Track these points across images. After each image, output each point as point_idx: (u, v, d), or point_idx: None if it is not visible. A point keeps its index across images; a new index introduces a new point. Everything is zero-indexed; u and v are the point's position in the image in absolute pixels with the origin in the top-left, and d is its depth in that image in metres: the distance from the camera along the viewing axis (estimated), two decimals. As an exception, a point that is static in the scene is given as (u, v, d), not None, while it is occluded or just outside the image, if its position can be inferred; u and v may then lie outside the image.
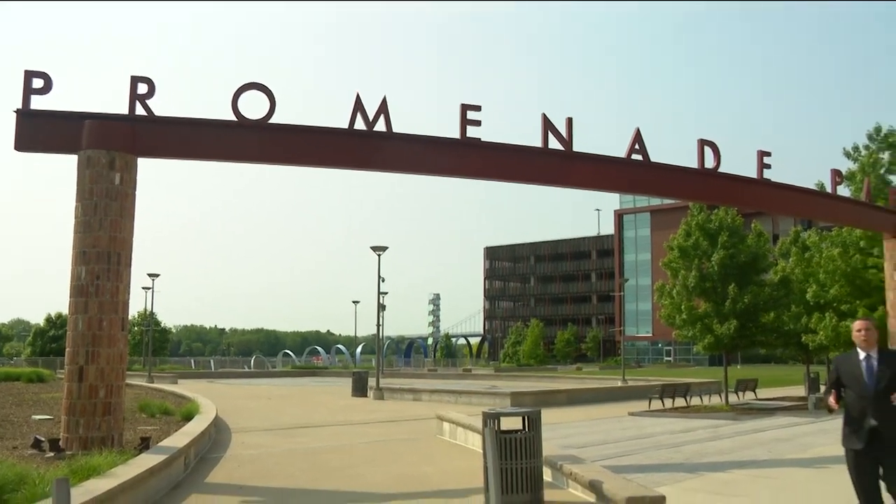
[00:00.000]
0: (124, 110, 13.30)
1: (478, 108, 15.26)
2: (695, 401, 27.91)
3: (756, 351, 37.29)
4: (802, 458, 14.19)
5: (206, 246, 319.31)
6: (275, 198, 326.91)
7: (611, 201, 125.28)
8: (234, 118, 13.66)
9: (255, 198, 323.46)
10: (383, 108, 14.35)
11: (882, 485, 7.01)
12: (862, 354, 7.25)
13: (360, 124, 14.26)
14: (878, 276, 26.09)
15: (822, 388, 33.07)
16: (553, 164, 16.48)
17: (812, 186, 23.72)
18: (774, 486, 11.13)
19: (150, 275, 51.74)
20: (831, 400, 7.33)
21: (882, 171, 27.49)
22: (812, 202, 22.75)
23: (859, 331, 7.31)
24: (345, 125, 14.31)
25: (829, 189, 23.17)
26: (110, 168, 12.94)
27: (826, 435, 17.58)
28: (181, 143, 14.12)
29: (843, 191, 25.26)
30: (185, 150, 14.35)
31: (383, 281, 38.91)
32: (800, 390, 33.06)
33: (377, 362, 40.15)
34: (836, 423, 21.71)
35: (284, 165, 15.76)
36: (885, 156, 27.79)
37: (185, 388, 34.31)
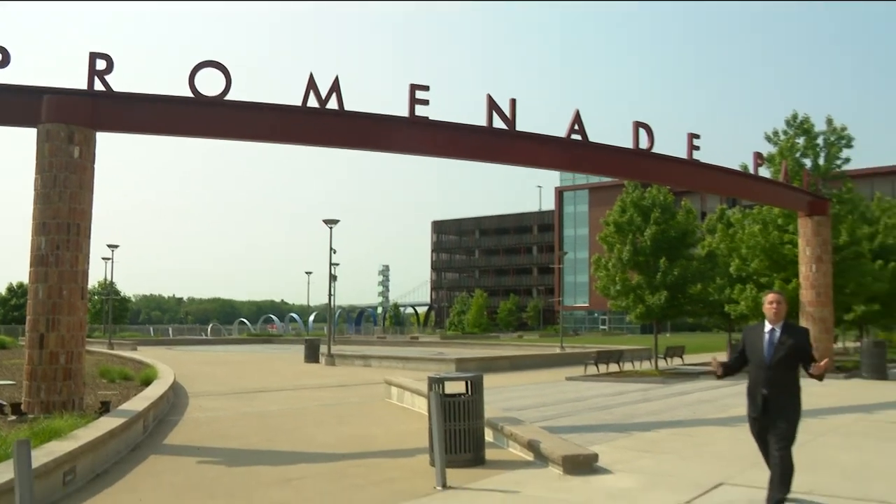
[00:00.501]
0: (83, 86, 13.01)
1: (426, 88, 15.21)
2: (627, 366, 28.34)
3: (684, 320, 37.88)
4: (723, 418, 14.54)
5: (166, 219, 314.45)
6: (232, 172, 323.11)
7: (552, 179, 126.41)
8: (191, 95, 13.45)
9: (213, 172, 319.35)
10: (335, 87, 14.23)
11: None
12: (767, 327, 7.17)
13: (312, 102, 14.13)
14: (793, 251, 26.71)
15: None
16: (497, 142, 16.50)
17: (736, 167, 24.06)
18: (696, 443, 11.38)
19: (109, 245, 50.87)
20: (714, 364, 7.51)
21: (798, 154, 27.99)
22: (736, 182, 23.16)
23: (771, 303, 7.18)
24: (298, 103, 14.18)
25: (751, 170, 23.60)
26: (69, 142, 12.66)
27: (745, 397, 17.99)
28: (139, 118, 13.83)
29: (765, 172, 25.70)
30: (143, 125, 14.07)
31: (335, 252, 38.75)
32: (723, 356, 33.46)
33: (329, 330, 39.98)
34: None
35: (240, 141, 15.53)
36: (801, 141, 28.28)
37: (144, 354, 33.85)
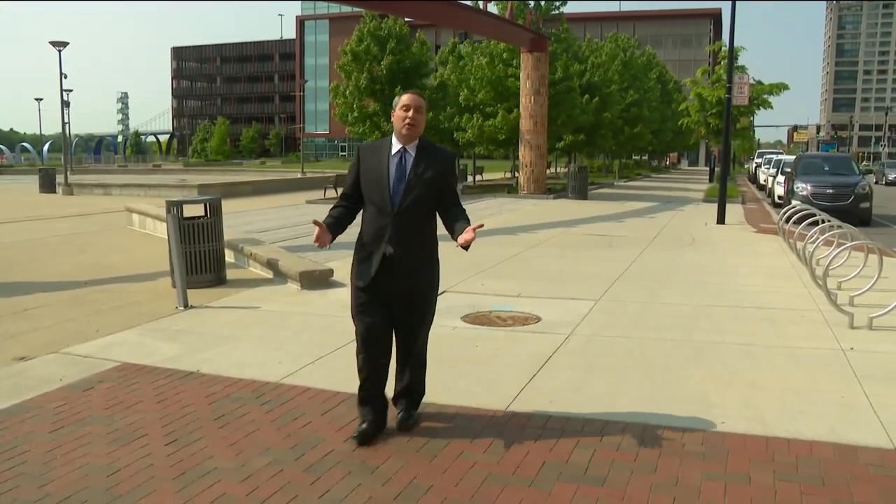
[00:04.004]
0: None
1: None
2: (364, 190, 28.78)
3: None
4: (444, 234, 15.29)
5: None
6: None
7: (293, 7, 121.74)
8: None
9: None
10: None
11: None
12: (395, 147, 4.41)
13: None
14: (516, 84, 27.92)
15: (470, 179, 35.65)
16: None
17: (468, 3, 24.39)
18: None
19: None
20: (318, 232, 4.33)
21: (523, -6, 28.79)
22: (467, 16, 23.52)
23: (406, 108, 4.38)
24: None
25: (481, 6, 24.07)
26: None
27: (469, 215, 19.00)
28: None
29: (493, 9, 26.25)
30: None
31: (66, 77, 35.40)
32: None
33: (65, 159, 36.93)
34: (481, 205, 23.21)
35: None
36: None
37: None
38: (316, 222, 4.37)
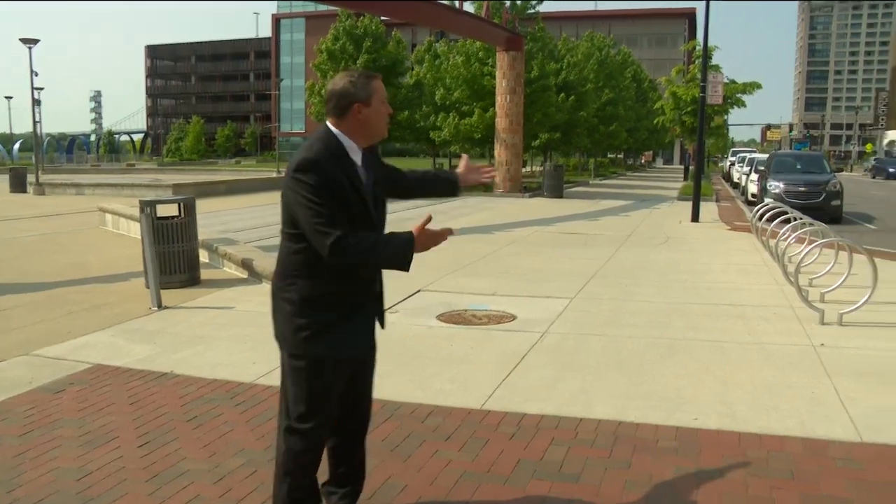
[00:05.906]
0: None
1: None
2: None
3: (392, 145, 38.83)
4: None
5: None
6: None
7: (269, 5, 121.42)
8: None
9: None
10: None
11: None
12: (356, 153, 3.02)
13: None
14: (492, 83, 27.96)
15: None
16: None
17: (444, 1, 24.40)
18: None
19: None
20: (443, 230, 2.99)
21: (498, -8, 28.84)
22: (443, 15, 23.55)
23: (385, 100, 3.07)
24: None
25: (457, 5, 24.10)
26: None
27: (443, 214, 19.06)
28: None
29: (469, 8, 26.29)
30: None
31: (37, 76, 34.90)
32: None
33: (36, 158, 36.42)
34: (456, 204, 23.19)
35: None
36: (502, -21, 29.09)
37: None
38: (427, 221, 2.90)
